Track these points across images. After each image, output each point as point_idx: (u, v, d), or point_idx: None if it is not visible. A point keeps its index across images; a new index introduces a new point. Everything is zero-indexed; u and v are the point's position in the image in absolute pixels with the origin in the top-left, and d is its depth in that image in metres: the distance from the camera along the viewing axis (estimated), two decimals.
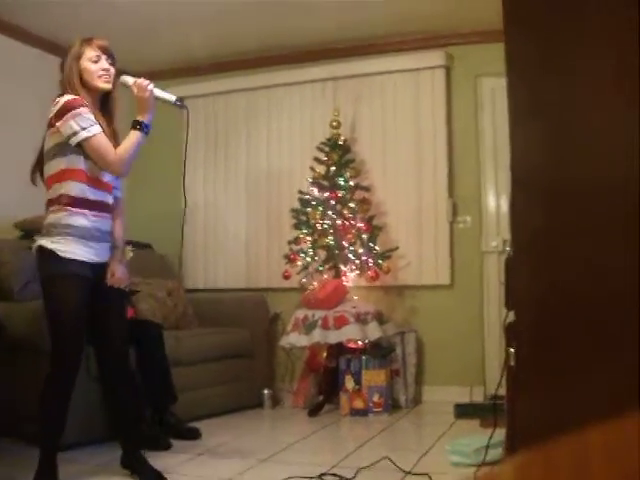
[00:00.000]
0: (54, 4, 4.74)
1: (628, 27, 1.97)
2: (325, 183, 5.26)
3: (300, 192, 5.35)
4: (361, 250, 5.13)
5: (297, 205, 5.36)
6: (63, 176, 3.09)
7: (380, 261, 5.11)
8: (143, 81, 3.18)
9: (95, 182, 3.17)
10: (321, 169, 5.31)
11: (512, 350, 2.13)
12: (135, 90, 3.18)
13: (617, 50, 1.99)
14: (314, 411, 4.99)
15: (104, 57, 3.20)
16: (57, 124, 3.05)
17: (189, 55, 5.94)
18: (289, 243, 5.28)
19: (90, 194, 3.13)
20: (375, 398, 4.93)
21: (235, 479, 3.37)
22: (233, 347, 5.18)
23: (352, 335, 4.87)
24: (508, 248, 2.28)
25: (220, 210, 6.08)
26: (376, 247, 5.15)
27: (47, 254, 3.06)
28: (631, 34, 1.97)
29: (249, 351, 5.33)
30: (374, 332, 4.93)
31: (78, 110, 3.04)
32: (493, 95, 5.43)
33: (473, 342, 5.31)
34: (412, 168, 5.49)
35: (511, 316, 2.18)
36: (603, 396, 1.94)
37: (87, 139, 3.05)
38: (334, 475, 3.34)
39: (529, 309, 2.07)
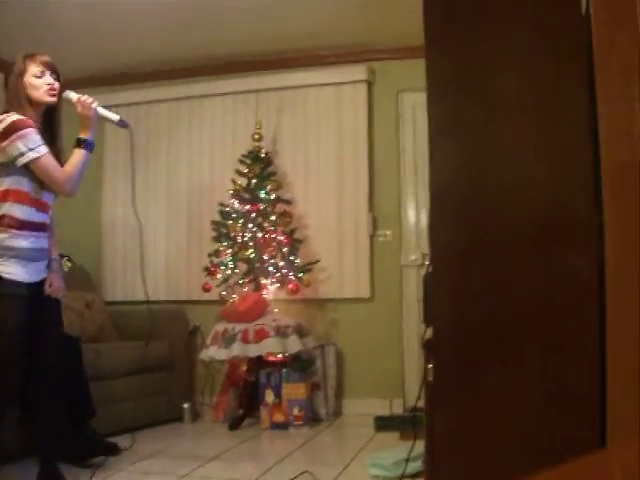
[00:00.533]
0: None
1: (537, 51, 2.04)
2: (246, 196, 5.24)
3: (221, 204, 5.31)
4: (282, 263, 5.12)
5: (218, 217, 5.32)
6: (6, 196, 3.07)
7: (301, 274, 5.12)
8: (87, 98, 3.21)
9: (37, 204, 3.18)
10: (242, 181, 5.29)
11: (430, 366, 2.15)
12: (79, 107, 3.21)
13: (526, 72, 2.06)
14: (234, 425, 4.95)
15: (48, 72, 3.20)
16: (2, 144, 3.01)
17: (110, 64, 5.85)
18: (209, 256, 5.24)
19: (35, 217, 3.16)
20: (295, 411, 4.91)
21: None
22: (152, 360, 5.09)
23: (272, 348, 4.85)
24: (427, 262, 2.30)
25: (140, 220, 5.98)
26: (297, 260, 5.15)
27: None
28: (539, 57, 2.03)
29: (168, 364, 5.26)
30: (294, 345, 4.92)
31: (25, 131, 3.02)
32: (414, 110, 5.51)
33: (392, 355, 5.35)
34: (333, 182, 5.52)
35: (429, 332, 2.21)
36: (518, 407, 1.99)
37: (35, 160, 3.04)
38: None
39: (446, 325, 2.10)
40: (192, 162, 5.91)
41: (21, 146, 3.00)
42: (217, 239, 5.26)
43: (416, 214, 5.47)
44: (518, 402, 1.98)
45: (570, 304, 1.95)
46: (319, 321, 5.50)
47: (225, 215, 5.26)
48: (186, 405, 5.24)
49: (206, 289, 5.25)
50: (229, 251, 5.18)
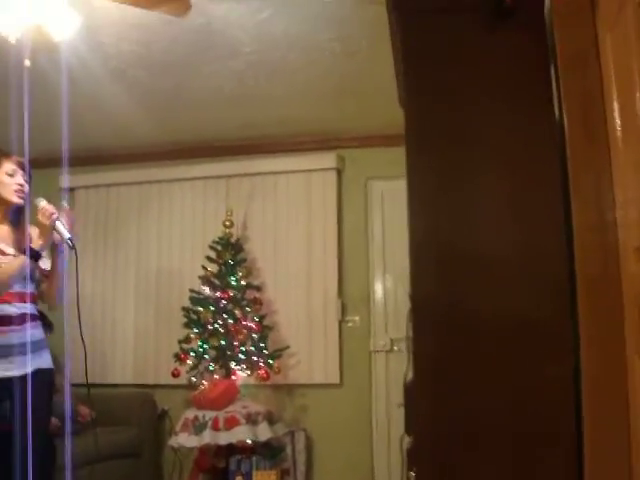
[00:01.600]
0: None
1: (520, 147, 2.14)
2: (216, 282, 5.28)
3: (191, 290, 5.34)
4: (252, 349, 5.13)
5: (188, 303, 5.35)
6: None
7: (270, 361, 5.13)
8: (50, 209, 3.25)
9: None
10: (213, 267, 5.33)
11: (413, 474, 2.19)
12: (39, 215, 3.24)
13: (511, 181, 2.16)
14: None
15: (20, 172, 3.28)
16: None
17: (80, 144, 5.85)
18: (179, 342, 5.24)
19: None
20: None
21: None
22: (121, 447, 5.05)
23: (243, 436, 4.83)
24: (410, 372, 2.35)
25: (108, 303, 5.99)
26: (266, 347, 5.17)
27: None
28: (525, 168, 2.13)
29: (136, 450, 5.21)
30: (265, 432, 4.91)
31: None
32: (382, 197, 5.65)
33: (362, 442, 5.37)
34: (303, 267, 5.59)
35: (410, 440, 2.26)
36: None
37: None
38: None
39: (425, 432, 2.15)
40: (161, 245, 5.95)
41: None
42: (187, 325, 5.27)
43: (384, 300, 5.55)
44: None
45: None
46: (288, 406, 5.51)
47: (195, 301, 5.29)
48: None
49: (175, 374, 5.24)
50: (199, 338, 5.18)
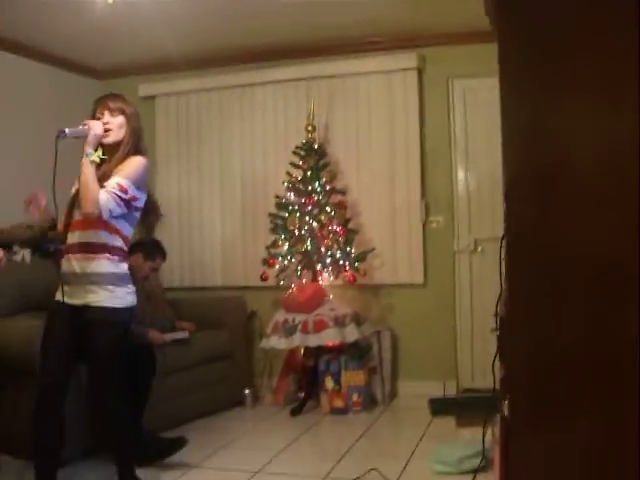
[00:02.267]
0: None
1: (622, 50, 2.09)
2: (301, 187, 5.35)
3: (276, 197, 5.44)
4: (338, 254, 5.24)
5: (272, 208, 5.47)
6: None
7: (356, 264, 5.23)
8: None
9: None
10: (297, 173, 5.39)
11: (506, 402, 2.27)
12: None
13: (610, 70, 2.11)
14: (296, 410, 5.14)
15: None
16: None
17: (162, 52, 5.88)
18: (267, 248, 5.37)
19: None
20: (354, 397, 5.10)
21: None
22: (215, 350, 5.29)
23: (331, 338, 5.01)
24: (502, 305, 2.40)
25: (194, 209, 6.14)
26: (352, 251, 5.27)
27: None
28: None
29: (229, 352, 5.44)
30: (352, 334, 5.08)
31: None
32: (464, 96, 5.56)
33: (446, 338, 5.50)
34: (385, 169, 5.60)
35: (503, 370, 2.33)
36: (585, 452, 2.11)
37: None
38: None
39: (524, 368, 2.22)
40: (244, 151, 6.01)
41: None
42: (274, 230, 5.39)
43: (468, 200, 5.54)
44: (585, 447, 2.11)
45: None
46: (374, 306, 5.64)
47: (281, 207, 5.38)
48: (247, 391, 5.43)
49: (263, 278, 5.41)
50: (286, 243, 5.30)
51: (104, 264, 3.24)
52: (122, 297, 3.28)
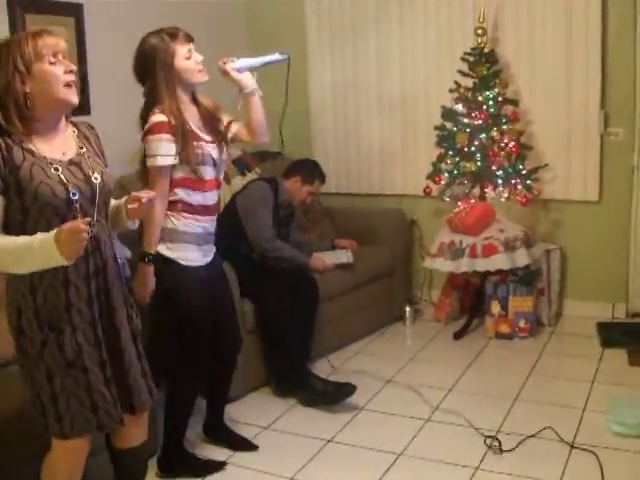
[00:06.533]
0: None
1: None
2: (470, 98, 4.95)
3: (443, 107, 5.08)
4: (509, 170, 4.88)
5: (434, 120, 5.17)
6: None
7: (529, 182, 4.88)
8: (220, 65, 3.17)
9: None
10: (466, 82, 4.99)
11: None
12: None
13: None
14: (459, 334, 5.01)
15: (193, 48, 3.08)
16: None
17: None
18: (433, 164, 5.07)
19: None
20: (521, 324, 4.91)
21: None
22: (376, 271, 5.15)
23: (500, 265, 4.75)
24: None
25: (350, 115, 5.82)
26: (524, 168, 4.90)
27: None
28: None
29: (390, 270, 5.31)
30: (523, 259, 4.81)
31: None
32: None
33: (618, 259, 5.16)
34: (561, 74, 5.06)
35: None
36: None
37: None
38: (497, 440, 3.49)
39: None
40: (404, 56, 5.53)
41: None
42: (439, 144, 5.07)
43: None
44: None
45: None
46: (543, 221, 5.33)
47: (447, 116, 5.03)
48: (407, 308, 5.31)
49: (427, 192, 5.17)
50: (455, 159, 4.97)
51: None
52: None
